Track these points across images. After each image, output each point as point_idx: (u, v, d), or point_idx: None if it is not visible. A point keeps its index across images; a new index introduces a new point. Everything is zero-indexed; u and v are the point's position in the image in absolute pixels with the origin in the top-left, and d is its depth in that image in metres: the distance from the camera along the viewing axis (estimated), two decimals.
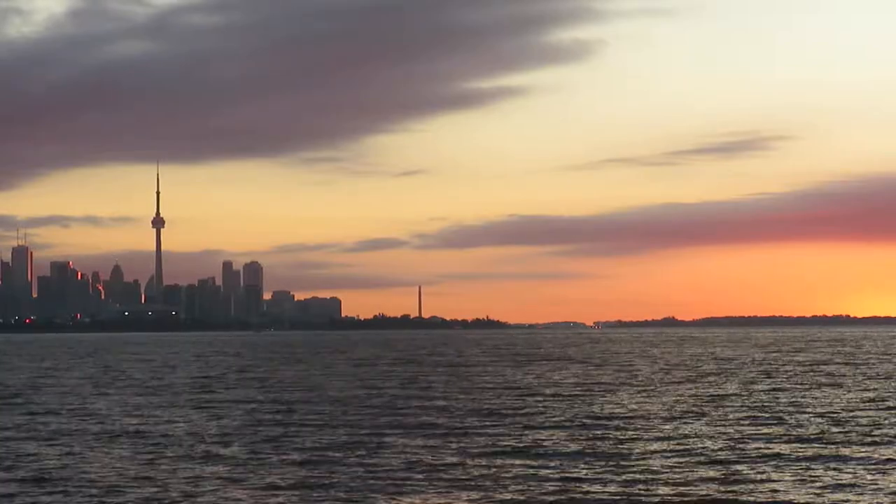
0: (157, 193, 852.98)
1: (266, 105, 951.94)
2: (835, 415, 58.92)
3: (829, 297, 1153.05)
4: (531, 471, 39.33)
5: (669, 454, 43.13)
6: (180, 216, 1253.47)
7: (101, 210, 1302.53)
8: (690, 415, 59.35)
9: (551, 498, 34.47)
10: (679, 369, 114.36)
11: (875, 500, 33.76)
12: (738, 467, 39.97)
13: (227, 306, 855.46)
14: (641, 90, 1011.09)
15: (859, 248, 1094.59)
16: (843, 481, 36.93)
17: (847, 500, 33.94)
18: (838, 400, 69.11)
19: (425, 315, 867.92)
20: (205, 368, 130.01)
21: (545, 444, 46.60)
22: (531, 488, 35.95)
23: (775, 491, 35.26)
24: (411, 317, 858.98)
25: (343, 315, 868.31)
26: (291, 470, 40.44)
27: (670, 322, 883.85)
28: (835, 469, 39.47)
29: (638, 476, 38.02)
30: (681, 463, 40.90)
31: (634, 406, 65.24)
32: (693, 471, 39.06)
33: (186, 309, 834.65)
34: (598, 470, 39.42)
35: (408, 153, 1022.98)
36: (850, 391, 77.05)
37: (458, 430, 52.21)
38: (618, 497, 34.60)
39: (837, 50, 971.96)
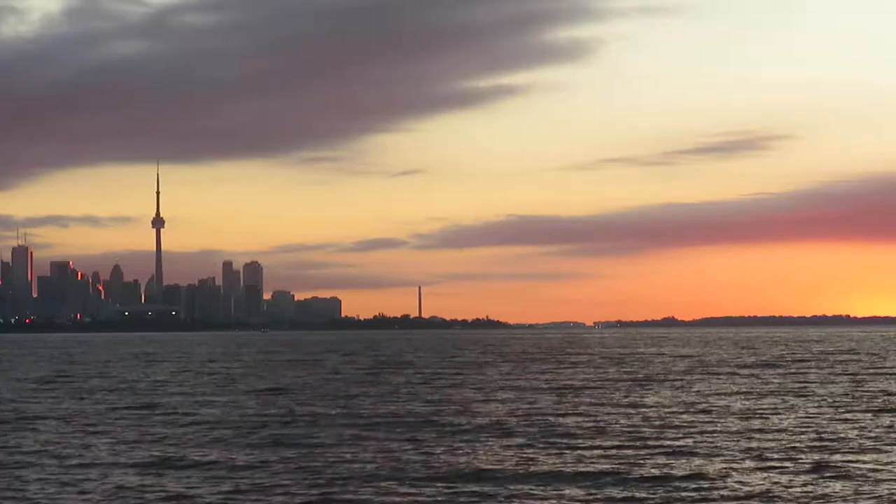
0: (157, 193, 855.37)
1: (265, 105, 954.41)
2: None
3: (829, 297, 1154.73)
4: None
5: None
6: (180, 216, 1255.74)
7: (100, 210, 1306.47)
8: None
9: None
10: None
11: None
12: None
13: (227, 306, 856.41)
14: (640, 90, 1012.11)
15: (859, 248, 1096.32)
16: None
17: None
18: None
19: (425, 315, 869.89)
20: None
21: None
22: None
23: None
24: (411, 317, 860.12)
25: (343, 315, 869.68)
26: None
27: (670, 322, 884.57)
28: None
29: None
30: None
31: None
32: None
33: (186, 309, 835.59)
34: None
35: (406, 153, 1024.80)
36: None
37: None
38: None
39: (837, 50, 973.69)
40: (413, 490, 36.54)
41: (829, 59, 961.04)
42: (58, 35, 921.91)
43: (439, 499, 35.17)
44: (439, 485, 37.43)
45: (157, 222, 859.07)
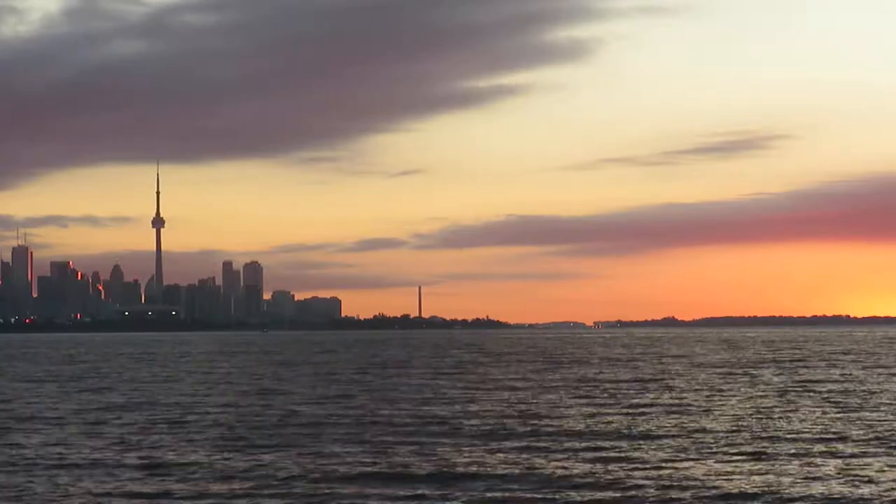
0: (157, 193, 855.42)
1: (265, 105, 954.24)
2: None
3: (828, 297, 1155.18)
4: None
5: None
6: (180, 216, 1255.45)
7: (100, 210, 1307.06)
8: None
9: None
10: None
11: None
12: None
13: (227, 306, 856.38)
14: (640, 90, 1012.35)
15: (859, 248, 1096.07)
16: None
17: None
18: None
19: (425, 315, 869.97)
20: None
21: None
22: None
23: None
24: (411, 317, 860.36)
25: (343, 315, 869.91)
26: None
27: (670, 322, 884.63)
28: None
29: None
30: None
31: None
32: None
33: (186, 309, 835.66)
34: None
35: (406, 153, 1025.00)
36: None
37: None
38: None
39: (837, 50, 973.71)
40: (394, 492, 36.79)
41: (829, 59, 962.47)
42: (57, 35, 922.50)
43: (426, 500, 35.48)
44: (420, 486, 37.72)
45: (157, 222, 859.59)
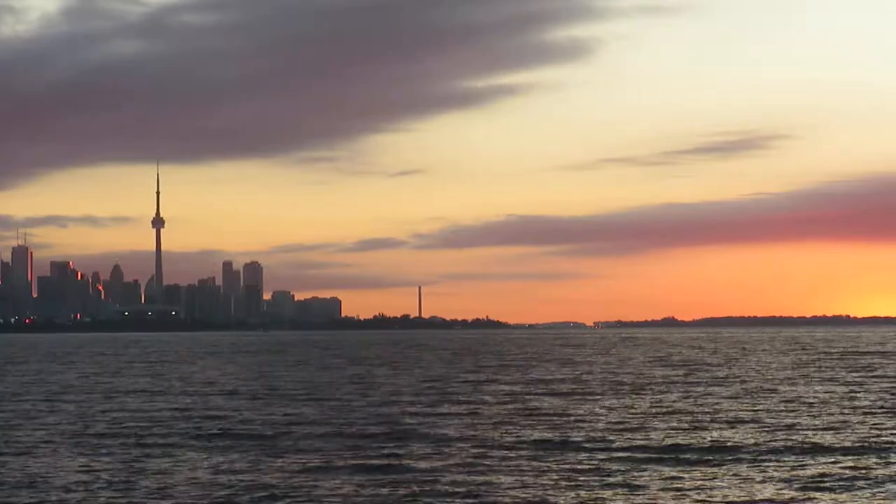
0: (157, 193, 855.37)
1: (265, 105, 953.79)
2: None
3: (828, 297, 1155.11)
4: None
5: None
6: (180, 216, 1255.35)
7: (99, 210, 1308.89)
8: None
9: None
10: None
11: None
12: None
13: (227, 306, 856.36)
14: (640, 89, 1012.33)
15: (859, 248, 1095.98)
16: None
17: None
18: None
19: (425, 315, 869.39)
20: None
21: None
22: None
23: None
24: (411, 317, 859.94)
25: (343, 315, 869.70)
26: None
27: (670, 322, 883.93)
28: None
29: None
30: None
31: None
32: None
33: (186, 309, 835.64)
34: None
35: (406, 153, 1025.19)
36: None
37: None
38: None
39: (837, 50, 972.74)
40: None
41: (829, 59, 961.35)
42: (56, 35, 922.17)
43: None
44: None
45: (157, 222, 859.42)
